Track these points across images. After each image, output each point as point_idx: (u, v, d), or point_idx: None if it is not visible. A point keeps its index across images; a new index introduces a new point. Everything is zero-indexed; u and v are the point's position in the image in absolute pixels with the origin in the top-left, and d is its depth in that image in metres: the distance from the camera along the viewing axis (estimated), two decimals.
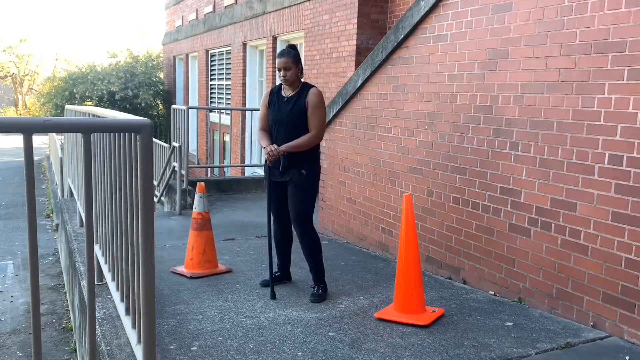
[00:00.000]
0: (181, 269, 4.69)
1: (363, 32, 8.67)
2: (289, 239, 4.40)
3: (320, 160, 4.25)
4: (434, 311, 3.72)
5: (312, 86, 4.16)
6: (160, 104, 21.98)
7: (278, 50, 11.57)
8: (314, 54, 9.84)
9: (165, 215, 7.63)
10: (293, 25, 10.71)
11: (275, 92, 4.25)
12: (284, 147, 4.02)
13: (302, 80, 4.22)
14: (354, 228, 5.86)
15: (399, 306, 3.68)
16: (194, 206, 4.78)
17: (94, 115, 3.69)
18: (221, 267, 4.79)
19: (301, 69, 4.16)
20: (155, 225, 2.26)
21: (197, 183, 4.95)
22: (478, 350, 3.20)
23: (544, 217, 3.80)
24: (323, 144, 6.32)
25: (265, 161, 4.15)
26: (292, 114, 4.07)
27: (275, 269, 4.45)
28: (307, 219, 4.12)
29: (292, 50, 4.12)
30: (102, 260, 3.51)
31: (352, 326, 3.56)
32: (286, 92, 4.17)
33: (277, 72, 4.19)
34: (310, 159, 4.11)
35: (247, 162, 11.50)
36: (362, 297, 4.12)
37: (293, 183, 4.09)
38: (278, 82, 4.30)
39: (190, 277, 4.53)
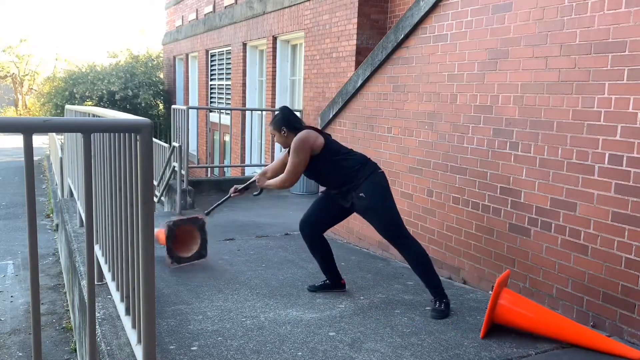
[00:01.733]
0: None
1: (363, 32, 8.67)
2: (316, 248, 4.16)
3: (378, 171, 3.92)
4: None
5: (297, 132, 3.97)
6: (160, 104, 21.97)
7: (278, 52, 11.60)
8: (314, 54, 9.84)
9: (165, 215, 7.63)
10: (293, 25, 10.71)
11: None
12: (265, 183, 4.08)
13: (297, 127, 3.99)
14: (353, 228, 5.86)
15: None
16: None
17: (94, 115, 3.69)
18: None
19: (288, 127, 3.98)
20: (155, 225, 2.26)
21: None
22: (478, 350, 3.21)
23: (544, 217, 3.80)
24: None
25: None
26: None
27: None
28: (399, 233, 3.81)
29: (275, 116, 4.03)
30: (102, 260, 3.51)
31: (352, 326, 3.56)
32: None
33: None
34: (359, 180, 3.84)
35: (247, 162, 11.50)
36: (362, 297, 4.12)
37: (359, 210, 3.91)
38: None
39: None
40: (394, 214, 3.84)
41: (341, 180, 3.89)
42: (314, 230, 4.09)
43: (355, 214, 4.05)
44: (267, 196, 8.85)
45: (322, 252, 4.14)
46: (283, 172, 4.02)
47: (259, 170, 11.72)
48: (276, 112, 4.10)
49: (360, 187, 3.82)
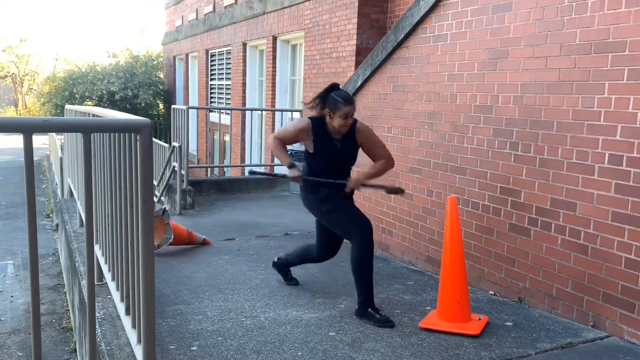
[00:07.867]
0: None
1: (363, 32, 8.67)
2: None
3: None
4: (479, 319, 3.58)
5: (355, 120, 3.84)
6: (160, 104, 21.98)
7: (278, 52, 11.59)
8: (314, 54, 9.84)
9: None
10: (293, 25, 10.71)
11: (319, 127, 3.82)
12: (364, 177, 3.87)
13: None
14: None
15: (444, 314, 3.52)
16: None
17: (93, 115, 3.70)
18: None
19: None
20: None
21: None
22: (478, 350, 3.21)
23: (544, 217, 3.80)
24: None
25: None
26: (350, 155, 3.88)
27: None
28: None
29: (354, 98, 3.98)
30: (102, 260, 3.51)
31: (352, 326, 3.56)
32: (335, 135, 3.82)
33: (340, 118, 3.70)
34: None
35: (247, 162, 11.49)
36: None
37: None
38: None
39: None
40: None
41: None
42: (332, 252, 4.12)
43: None
44: (267, 196, 8.85)
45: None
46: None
47: (256, 169, 11.76)
48: (346, 93, 3.80)
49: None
